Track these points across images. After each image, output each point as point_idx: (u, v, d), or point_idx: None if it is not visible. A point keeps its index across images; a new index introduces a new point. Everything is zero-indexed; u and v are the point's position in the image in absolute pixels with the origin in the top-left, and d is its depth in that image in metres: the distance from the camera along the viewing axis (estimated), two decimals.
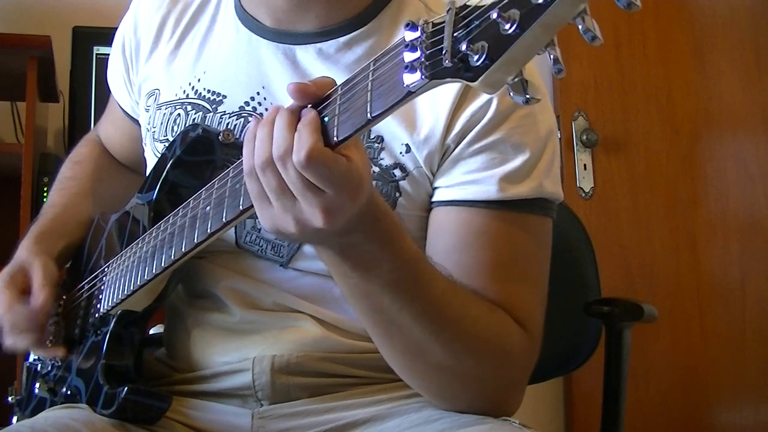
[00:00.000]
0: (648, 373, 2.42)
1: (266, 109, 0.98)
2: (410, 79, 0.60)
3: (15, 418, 1.14)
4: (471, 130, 0.91)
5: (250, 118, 0.98)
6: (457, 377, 0.87)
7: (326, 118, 0.68)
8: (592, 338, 1.43)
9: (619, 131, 2.57)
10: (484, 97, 0.90)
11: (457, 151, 0.91)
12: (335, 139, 0.67)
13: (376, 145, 0.93)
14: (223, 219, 0.80)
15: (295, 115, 0.70)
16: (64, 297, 1.12)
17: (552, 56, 0.54)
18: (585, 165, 2.53)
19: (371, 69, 0.65)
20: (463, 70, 0.56)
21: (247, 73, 1.00)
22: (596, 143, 2.52)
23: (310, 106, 0.70)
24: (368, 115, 0.64)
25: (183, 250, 0.86)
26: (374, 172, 0.93)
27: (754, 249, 2.57)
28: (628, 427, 1.38)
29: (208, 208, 0.83)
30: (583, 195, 2.51)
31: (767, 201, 2.60)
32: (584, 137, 2.51)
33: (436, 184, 0.93)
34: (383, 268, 0.79)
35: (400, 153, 0.93)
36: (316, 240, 0.76)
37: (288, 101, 0.71)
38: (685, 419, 2.49)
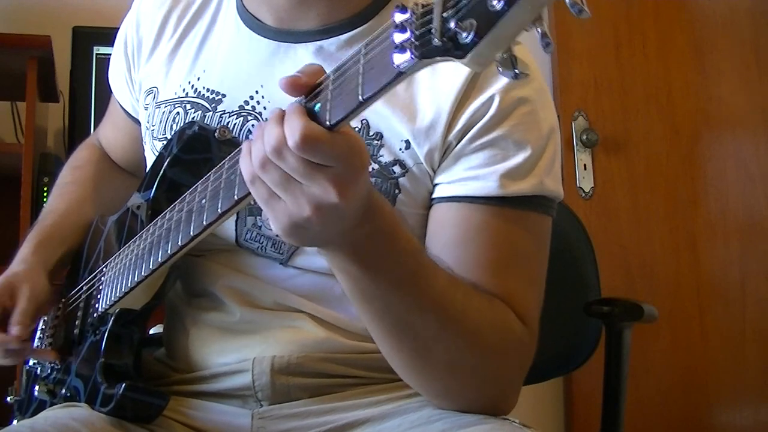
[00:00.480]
0: (648, 373, 2.42)
1: (264, 108, 0.98)
2: (400, 59, 0.60)
3: (15, 422, 1.14)
4: (473, 127, 0.91)
5: (249, 117, 0.98)
6: (460, 374, 0.87)
7: (318, 105, 0.68)
8: (592, 338, 1.43)
9: (619, 131, 2.57)
10: (486, 94, 0.90)
11: (458, 148, 0.91)
12: (328, 123, 0.66)
13: (376, 142, 0.93)
14: (218, 210, 0.80)
15: (281, 114, 0.69)
16: (63, 299, 1.12)
17: (540, 31, 0.54)
18: (585, 165, 2.53)
19: (362, 53, 0.65)
20: (452, 49, 0.56)
21: (247, 71, 1.00)
22: (596, 143, 2.52)
23: (297, 99, 0.70)
24: (360, 97, 0.64)
25: (179, 243, 0.86)
26: (373, 169, 0.93)
27: (754, 249, 2.57)
28: (628, 427, 1.38)
29: (203, 200, 0.83)
30: (583, 195, 2.51)
31: (767, 201, 2.60)
32: (584, 137, 2.51)
33: (436, 181, 0.93)
34: (390, 264, 0.79)
35: (400, 149, 0.93)
36: (334, 224, 0.72)
37: (287, 100, 0.70)
38: (685, 419, 2.49)
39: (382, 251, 0.78)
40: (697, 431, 2.52)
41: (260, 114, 0.98)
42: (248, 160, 0.71)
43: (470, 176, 0.91)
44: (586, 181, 2.52)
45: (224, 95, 1.00)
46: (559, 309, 1.03)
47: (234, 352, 0.97)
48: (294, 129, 0.66)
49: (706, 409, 2.52)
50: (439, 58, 0.58)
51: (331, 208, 0.69)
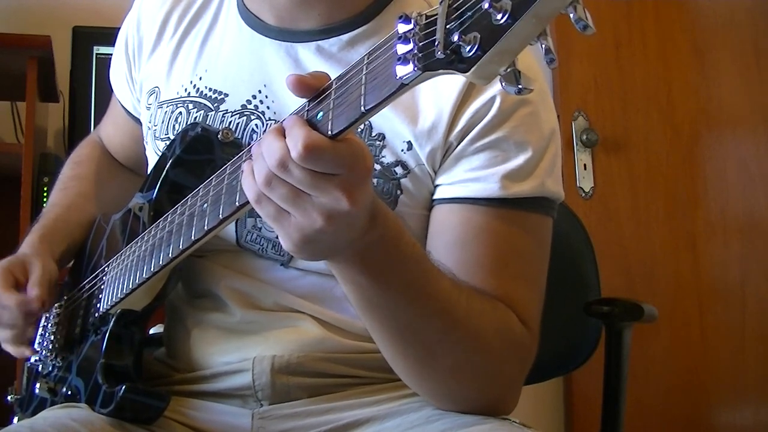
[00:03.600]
0: (648, 373, 2.42)
1: (268, 108, 0.98)
2: (403, 71, 0.60)
3: (16, 419, 1.14)
4: (474, 128, 0.91)
5: (252, 117, 0.98)
6: (462, 376, 0.87)
7: (321, 113, 0.67)
8: (592, 338, 1.43)
9: (619, 131, 2.57)
10: (487, 95, 0.90)
11: (459, 149, 0.91)
12: (329, 133, 0.66)
13: (378, 142, 0.93)
14: (220, 216, 0.80)
15: (280, 129, 0.69)
16: (66, 297, 1.12)
17: (544, 46, 0.54)
18: (585, 165, 2.53)
19: (365, 62, 0.65)
20: (456, 62, 0.56)
21: (249, 71, 1.00)
22: (596, 143, 2.52)
23: (299, 108, 0.70)
24: (362, 108, 0.64)
25: (181, 247, 0.86)
26: (376, 169, 0.93)
27: (754, 249, 2.57)
28: (628, 427, 1.38)
29: (205, 205, 0.83)
30: (583, 195, 2.51)
31: (767, 201, 2.60)
32: (584, 137, 2.51)
33: (437, 182, 0.93)
34: (396, 271, 0.79)
35: (402, 150, 0.93)
36: (345, 233, 0.71)
37: (289, 99, 0.70)
38: (685, 419, 2.49)
39: (388, 258, 0.78)
40: (697, 431, 2.52)
41: (263, 113, 0.98)
42: (251, 180, 0.70)
43: (471, 177, 0.91)
44: (586, 181, 2.52)
45: (227, 95, 1.01)
46: (559, 309, 1.03)
47: (234, 351, 0.97)
48: (296, 140, 0.65)
49: (706, 409, 2.52)
50: (442, 70, 0.58)
51: (342, 216, 0.68)
